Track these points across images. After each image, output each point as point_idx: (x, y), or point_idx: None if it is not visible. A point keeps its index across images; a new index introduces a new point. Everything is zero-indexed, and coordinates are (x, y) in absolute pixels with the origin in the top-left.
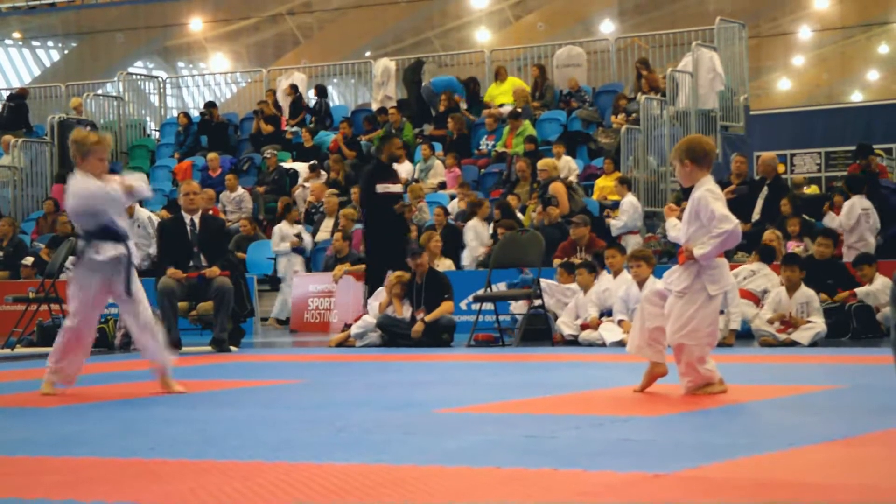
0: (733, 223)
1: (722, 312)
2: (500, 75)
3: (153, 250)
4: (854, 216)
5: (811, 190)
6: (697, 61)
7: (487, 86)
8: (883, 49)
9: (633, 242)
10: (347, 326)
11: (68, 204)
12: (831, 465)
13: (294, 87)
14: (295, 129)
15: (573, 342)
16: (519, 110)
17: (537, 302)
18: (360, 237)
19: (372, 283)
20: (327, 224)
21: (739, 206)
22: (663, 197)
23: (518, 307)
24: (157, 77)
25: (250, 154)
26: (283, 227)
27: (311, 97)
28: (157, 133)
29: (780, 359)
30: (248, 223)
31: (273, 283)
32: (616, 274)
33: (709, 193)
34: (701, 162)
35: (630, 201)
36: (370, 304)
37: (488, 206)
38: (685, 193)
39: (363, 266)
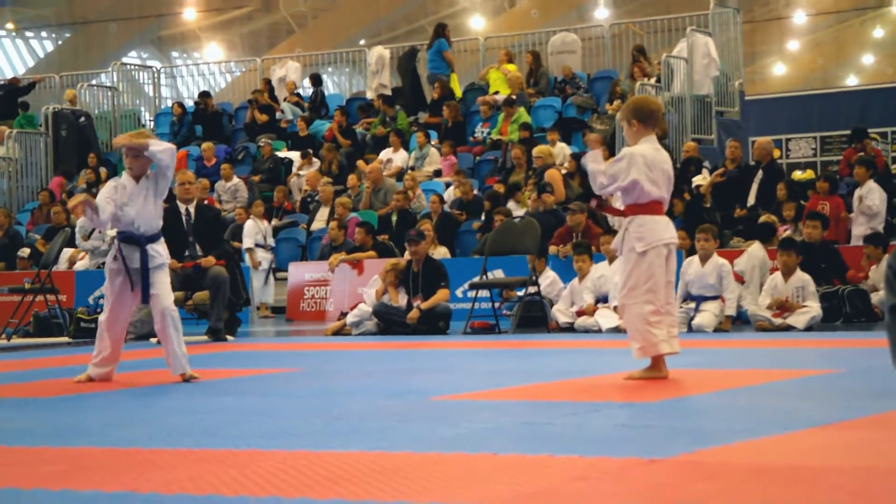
0: (603, 181)
1: (716, 298)
2: (500, 60)
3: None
4: (883, 198)
5: (806, 175)
6: (692, 47)
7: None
8: (877, 33)
9: None
10: (343, 315)
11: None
12: (827, 448)
13: (295, 84)
14: (284, 106)
15: (569, 329)
16: (514, 97)
17: (533, 289)
18: (353, 226)
19: None
20: (322, 213)
21: (732, 190)
22: None
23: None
24: (151, 67)
25: (245, 143)
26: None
27: (306, 86)
28: (152, 123)
29: (775, 343)
30: (244, 212)
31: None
32: (612, 260)
33: (629, 152)
34: (646, 121)
35: None
36: (366, 293)
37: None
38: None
39: (360, 255)
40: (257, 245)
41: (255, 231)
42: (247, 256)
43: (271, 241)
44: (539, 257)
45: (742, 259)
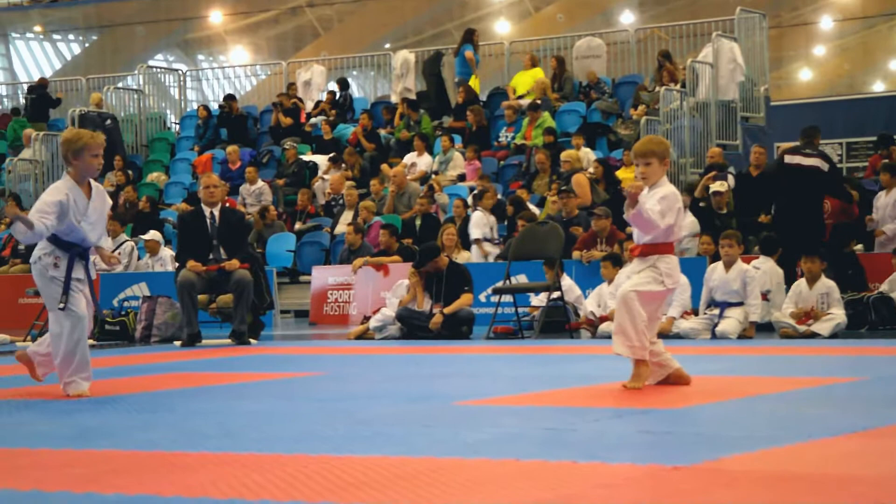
0: (658, 221)
1: (740, 305)
2: (525, 63)
3: None
4: None
5: None
6: (718, 52)
7: (506, 78)
8: None
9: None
10: (366, 319)
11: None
12: (851, 457)
13: (334, 91)
14: (315, 120)
15: (593, 335)
16: (538, 102)
17: (556, 294)
18: (376, 230)
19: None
20: (347, 216)
21: (756, 196)
22: (682, 188)
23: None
24: (177, 70)
25: (270, 147)
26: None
27: (331, 89)
28: (177, 126)
29: (800, 350)
30: (273, 209)
31: (293, 275)
32: None
33: (672, 192)
34: (666, 159)
35: None
36: (389, 299)
37: (493, 196)
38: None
39: (383, 258)
40: (485, 239)
41: (483, 223)
42: (475, 248)
43: (496, 235)
44: (553, 268)
45: (763, 278)
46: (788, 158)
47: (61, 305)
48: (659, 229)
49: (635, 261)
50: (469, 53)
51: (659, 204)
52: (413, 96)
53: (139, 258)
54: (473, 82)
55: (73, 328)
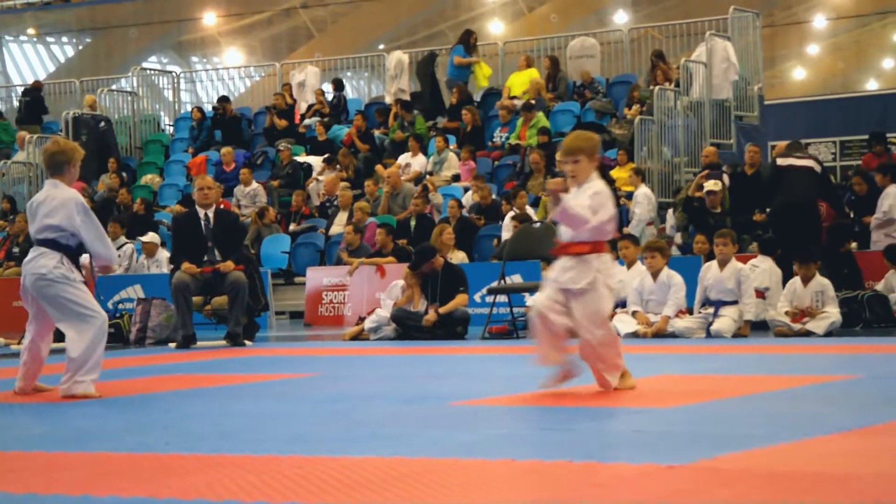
0: (588, 217)
1: (735, 303)
2: (520, 64)
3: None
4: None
5: None
6: (711, 51)
7: (501, 78)
8: None
9: (647, 233)
10: (361, 320)
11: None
12: (847, 454)
13: (322, 90)
14: (309, 121)
15: None
16: (532, 102)
17: None
18: (373, 230)
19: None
20: (341, 217)
21: (751, 194)
22: (677, 188)
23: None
24: (171, 72)
25: (264, 148)
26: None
27: (325, 90)
28: (171, 128)
29: (795, 349)
30: (258, 214)
31: (287, 276)
32: (630, 265)
33: (603, 188)
34: (595, 155)
35: (644, 192)
36: (383, 301)
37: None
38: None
39: (378, 259)
40: None
41: (513, 228)
42: None
43: None
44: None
45: (762, 276)
46: (781, 161)
47: (101, 296)
48: (589, 224)
49: (567, 259)
50: (458, 58)
51: (591, 200)
52: (407, 97)
53: (136, 259)
54: (484, 71)
55: (100, 328)
